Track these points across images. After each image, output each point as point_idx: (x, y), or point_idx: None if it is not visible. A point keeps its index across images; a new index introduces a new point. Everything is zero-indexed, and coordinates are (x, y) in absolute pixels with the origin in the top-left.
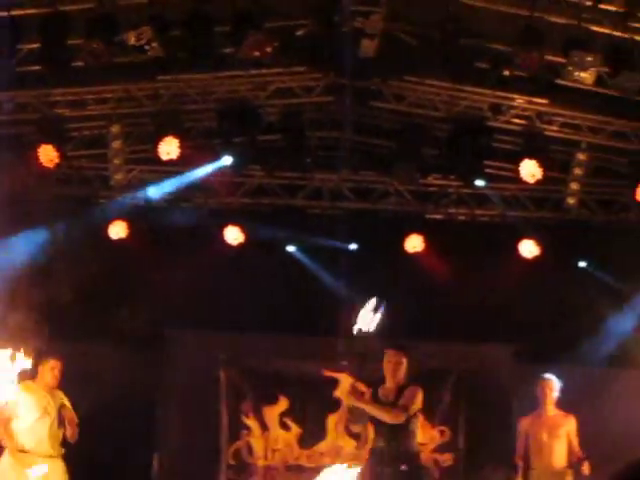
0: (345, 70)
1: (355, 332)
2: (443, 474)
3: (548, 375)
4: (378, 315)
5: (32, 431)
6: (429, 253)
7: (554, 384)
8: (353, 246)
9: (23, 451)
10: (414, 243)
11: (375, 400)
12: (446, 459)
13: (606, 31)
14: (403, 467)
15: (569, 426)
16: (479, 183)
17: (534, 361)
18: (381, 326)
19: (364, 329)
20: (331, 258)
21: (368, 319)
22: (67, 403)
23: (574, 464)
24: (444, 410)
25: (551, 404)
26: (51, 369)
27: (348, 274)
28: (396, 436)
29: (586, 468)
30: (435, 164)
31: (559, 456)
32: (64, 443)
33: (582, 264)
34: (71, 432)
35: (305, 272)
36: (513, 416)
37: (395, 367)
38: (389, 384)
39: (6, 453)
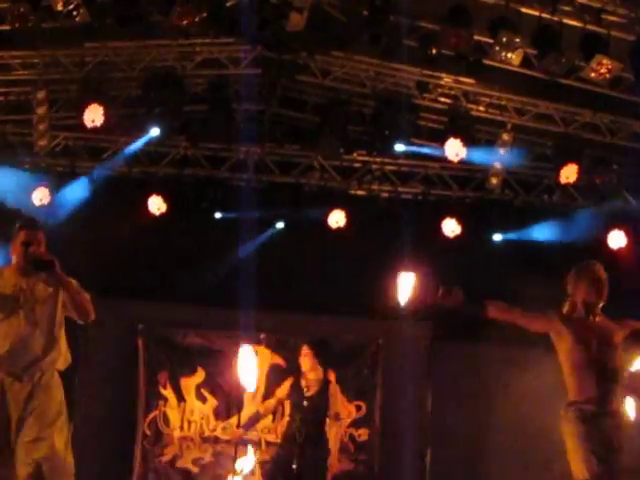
0: (273, 43)
1: (394, 308)
2: (359, 449)
3: None
4: (409, 289)
5: None
6: (351, 228)
7: None
8: (277, 220)
9: None
10: (337, 218)
11: (294, 389)
12: (362, 434)
13: (534, 12)
14: (309, 452)
15: None
16: (399, 148)
17: (450, 339)
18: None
19: (402, 304)
20: (254, 231)
21: (403, 294)
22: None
23: None
24: (360, 385)
25: None
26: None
27: (270, 246)
28: (307, 422)
29: None
30: (360, 140)
31: None
32: None
33: (497, 237)
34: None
35: (226, 244)
36: (429, 393)
37: (311, 360)
38: (309, 376)
39: None
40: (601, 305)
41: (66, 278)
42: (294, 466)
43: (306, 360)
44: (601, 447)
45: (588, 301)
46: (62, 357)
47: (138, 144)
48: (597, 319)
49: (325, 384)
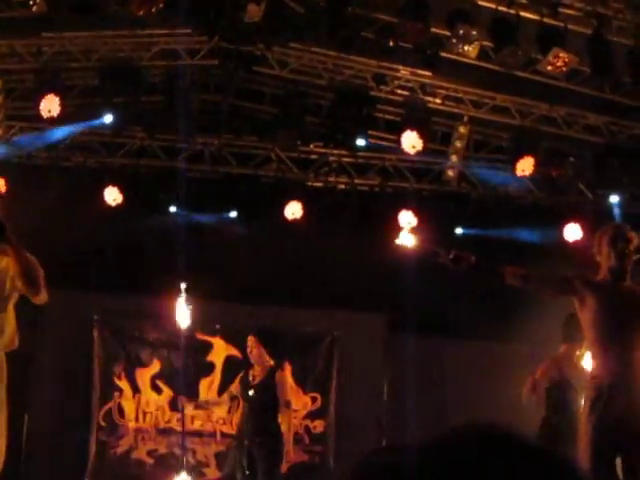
0: (230, 34)
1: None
2: (314, 441)
3: None
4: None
5: None
6: (308, 220)
7: None
8: (233, 211)
9: None
10: (293, 210)
11: (243, 382)
12: (317, 425)
13: (491, 5)
14: (258, 440)
15: None
16: (359, 142)
17: (406, 331)
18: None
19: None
20: (210, 222)
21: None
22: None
23: None
24: (316, 377)
25: None
26: None
27: (226, 237)
28: (255, 412)
29: None
30: (317, 132)
31: None
32: None
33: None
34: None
35: (183, 235)
36: (384, 384)
37: (252, 350)
38: (256, 366)
39: None
40: (629, 268)
41: (18, 245)
42: (244, 458)
43: (252, 350)
44: (610, 436)
45: (612, 265)
46: (7, 337)
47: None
48: (626, 283)
49: (271, 373)
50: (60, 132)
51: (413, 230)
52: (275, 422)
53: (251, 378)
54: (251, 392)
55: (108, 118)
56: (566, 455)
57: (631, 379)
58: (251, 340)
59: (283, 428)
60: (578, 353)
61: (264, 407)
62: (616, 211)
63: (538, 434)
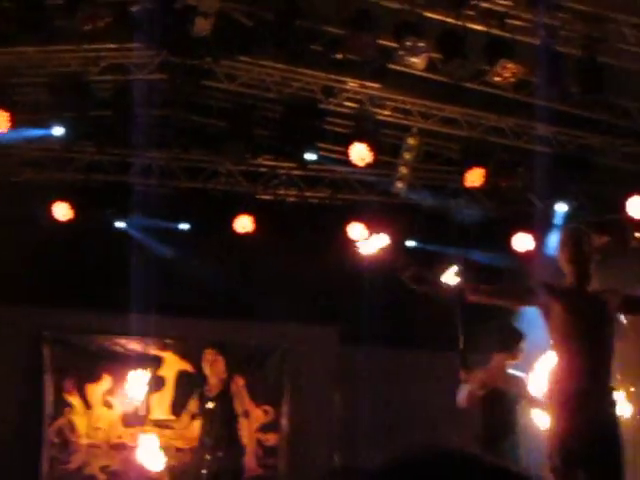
0: (178, 48)
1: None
2: (267, 454)
3: None
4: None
5: None
6: (258, 233)
7: None
8: (183, 225)
9: None
10: (243, 223)
11: (201, 397)
12: (269, 439)
13: (439, 17)
14: (220, 454)
15: None
16: (309, 157)
17: (358, 343)
18: None
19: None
20: (161, 236)
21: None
22: None
23: None
24: (267, 389)
25: None
26: None
27: (178, 252)
28: (215, 425)
29: None
30: (266, 145)
31: None
32: None
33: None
34: None
35: (133, 249)
36: (336, 397)
37: (212, 364)
38: (211, 379)
39: None
40: (591, 272)
41: None
42: (204, 471)
43: (209, 363)
44: (577, 440)
45: (574, 269)
46: None
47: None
48: (590, 288)
49: (227, 385)
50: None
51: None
52: (236, 433)
53: (208, 392)
54: (210, 405)
55: (57, 131)
56: (521, 471)
57: (598, 385)
58: (211, 353)
59: (244, 438)
60: (511, 362)
61: (224, 419)
62: (561, 221)
63: (476, 443)
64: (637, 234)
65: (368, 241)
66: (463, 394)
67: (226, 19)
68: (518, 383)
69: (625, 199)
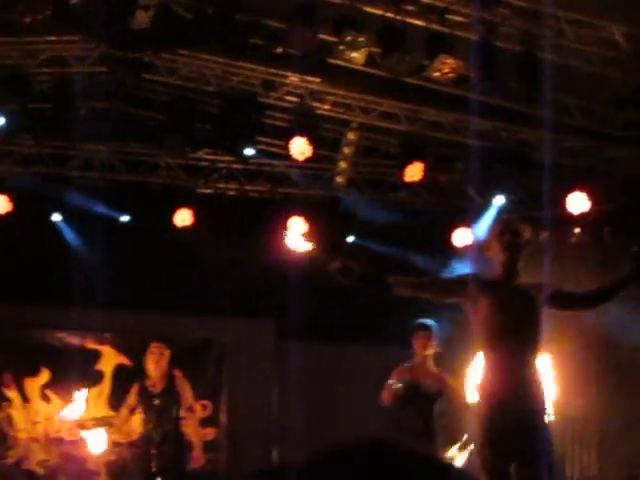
0: (118, 41)
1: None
2: (206, 448)
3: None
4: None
5: None
6: (198, 227)
7: None
8: (124, 218)
9: None
10: (183, 217)
11: (142, 392)
12: (208, 433)
13: (379, 12)
14: (166, 449)
15: None
16: (248, 152)
17: (295, 338)
18: None
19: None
20: (99, 229)
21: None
22: None
23: None
24: (206, 384)
25: None
26: None
27: (117, 246)
28: (162, 420)
29: None
30: (206, 138)
31: None
32: None
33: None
34: None
35: (71, 242)
36: (275, 391)
37: (158, 358)
38: (153, 374)
39: None
40: (520, 262)
41: None
42: (152, 465)
43: (153, 357)
44: (505, 432)
45: (502, 260)
46: None
47: None
48: (518, 281)
49: (171, 379)
50: None
51: (304, 234)
52: (180, 428)
53: (151, 388)
54: (155, 401)
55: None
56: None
57: (525, 384)
58: (159, 347)
59: (189, 433)
60: (430, 362)
61: (169, 415)
62: (496, 214)
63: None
64: (576, 230)
65: (296, 236)
66: (385, 390)
67: (166, 12)
68: (441, 380)
69: (565, 195)
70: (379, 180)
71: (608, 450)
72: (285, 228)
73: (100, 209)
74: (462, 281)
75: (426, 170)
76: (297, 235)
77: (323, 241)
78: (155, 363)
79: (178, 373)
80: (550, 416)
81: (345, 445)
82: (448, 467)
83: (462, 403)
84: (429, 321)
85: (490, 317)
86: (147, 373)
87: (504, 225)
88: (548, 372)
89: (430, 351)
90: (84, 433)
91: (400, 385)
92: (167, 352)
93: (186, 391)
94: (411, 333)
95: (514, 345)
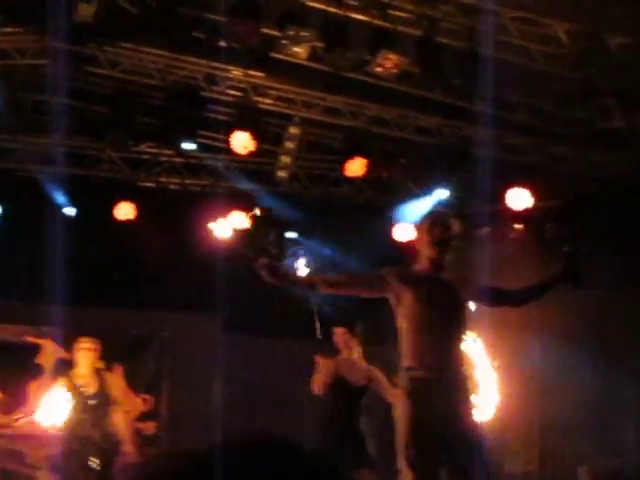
0: (61, 34)
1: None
2: (146, 442)
3: None
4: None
5: None
6: (140, 221)
7: None
8: (69, 210)
9: None
10: (125, 210)
11: (76, 391)
12: (149, 427)
13: (321, 7)
14: (106, 446)
15: None
16: (187, 146)
17: (240, 331)
18: None
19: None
20: (41, 222)
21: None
22: None
23: None
24: (147, 378)
25: None
26: None
27: (58, 239)
28: (99, 420)
29: None
30: (148, 132)
31: None
32: None
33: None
34: None
35: (11, 235)
36: (216, 385)
37: (87, 353)
38: (83, 370)
39: None
40: (447, 256)
41: None
42: (92, 462)
43: (82, 353)
44: (430, 429)
45: (430, 253)
46: None
47: None
48: (443, 274)
49: (103, 376)
50: None
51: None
52: (110, 421)
53: (84, 386)
54: (91, 402)
55: None
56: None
57: (451, 372)
58: (85, 341)
59: (120, 426)
60: (358, 358)
61: (105, 412)
62: (434, 207)
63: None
64: (517, 226)
65: (223, 227)
66: (316, 381)
67: (109, 5)
68: (369, 374)
69: (505, 191)
70: (321, 175)
71: (549, 445)
72: (227, 223)
73: (40, 203)
74: (382, 277)
75: (369, 165)
76: (226, 228)
77: (254, 237)
78: (84, 358)
79: (118, 369)
80: (489, 411)
81: (231, 440)
82: (332, 469)
83: (391, 398)
84: (349, 320)
85: (414, 310)
86: (77, 370)
87: (434, 219)
88: (490, 370)
89: (354, 349)
90: (24, 425)
91: (326, 377)
92: (96, 347)
93: (116, 384)
94: (332, 333)
95: (437, 339)
